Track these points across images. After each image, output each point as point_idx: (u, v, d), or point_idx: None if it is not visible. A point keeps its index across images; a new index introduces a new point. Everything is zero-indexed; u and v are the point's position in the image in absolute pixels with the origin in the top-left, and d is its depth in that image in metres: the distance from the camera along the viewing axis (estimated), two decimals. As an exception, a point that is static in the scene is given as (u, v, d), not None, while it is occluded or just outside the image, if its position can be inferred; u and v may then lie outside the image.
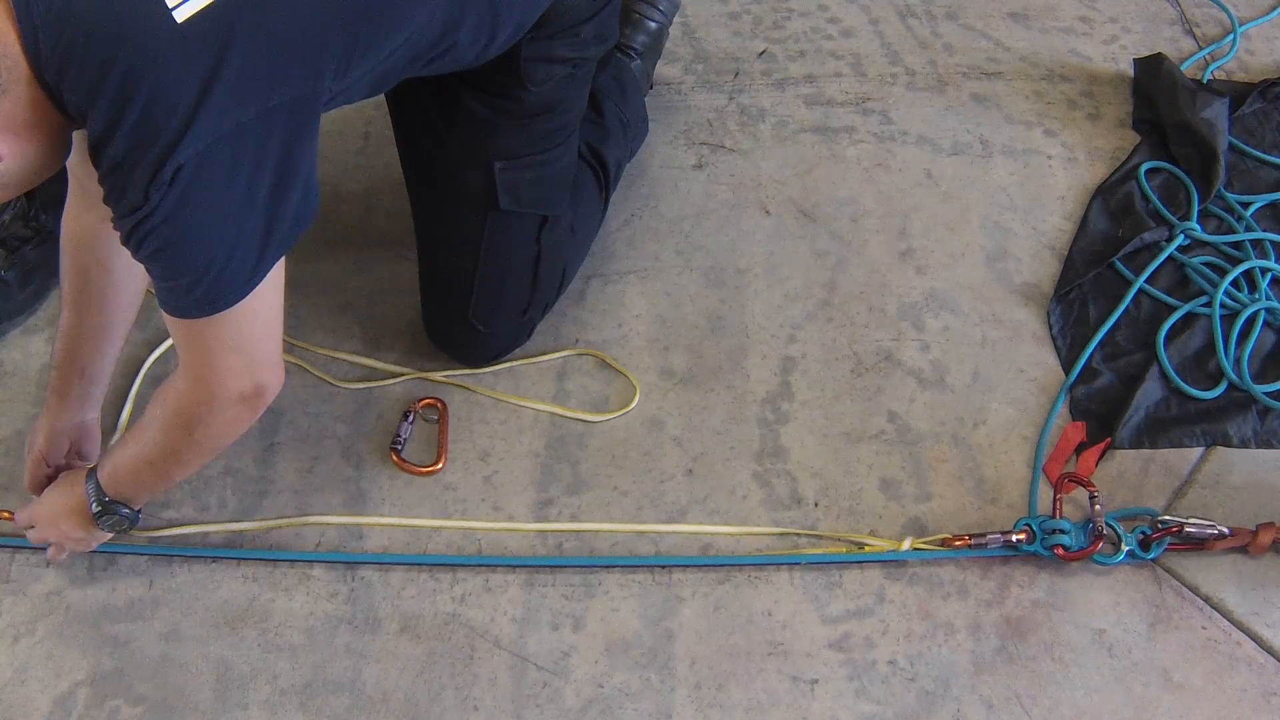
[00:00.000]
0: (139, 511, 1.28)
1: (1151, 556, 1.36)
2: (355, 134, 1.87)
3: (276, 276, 1.11)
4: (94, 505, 1.24)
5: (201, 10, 0.97)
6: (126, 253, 1.07)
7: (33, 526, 1.31)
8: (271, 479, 1.46)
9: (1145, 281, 1.65)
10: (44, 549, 1.35)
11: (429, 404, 1.52)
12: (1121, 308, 1.62)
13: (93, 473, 1.25)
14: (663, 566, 1.37)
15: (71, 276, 1.30)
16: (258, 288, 1.08)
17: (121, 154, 0.97)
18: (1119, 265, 1.67)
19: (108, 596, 1.35)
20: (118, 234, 1.05)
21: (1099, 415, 1.52)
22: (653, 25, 1.81)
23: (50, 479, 1.34)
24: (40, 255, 1.62)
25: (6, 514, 1.37)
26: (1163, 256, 1.67)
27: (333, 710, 1.27)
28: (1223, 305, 1.60)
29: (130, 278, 1.30)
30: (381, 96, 1.30)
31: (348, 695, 1.28)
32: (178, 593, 1.36)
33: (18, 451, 1.46)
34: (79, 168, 1.21)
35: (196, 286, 1.05)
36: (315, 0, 1.05)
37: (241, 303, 1.07)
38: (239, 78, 0.98)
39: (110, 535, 1.31)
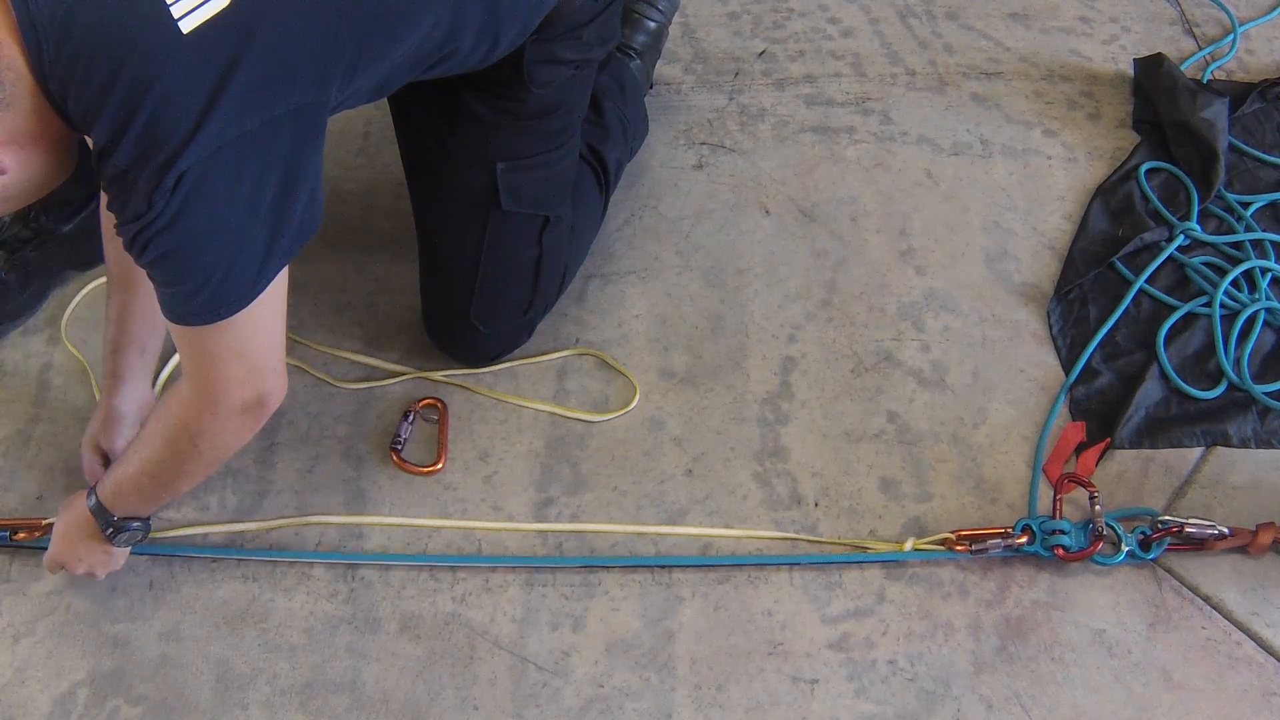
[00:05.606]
0: (149, 519, 1.28)
1: (1151, 557, 1.36)
2: (355, 134, 1.87)
3: (280, 285, 1.11)
4: (106, 530, 1.25)
5: (209, 20, 0.96)
6: None
7: (62, 567, 1.31)
8: (271, 479, 1.46)
9: (1145, 281, 1.65)
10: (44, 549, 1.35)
11: (429, 404, 1.52)
12: (1121, 308, 1.62)
13: (92, 493, 1.25)
14: (663, 566, 1.37)
15: (116, 260, 1.32)
16: (261, 296, 1.08)
17: (126, 162, 0.97)
18: (1119, 265, 1.67)
19: (108, 596, 1.35)
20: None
21: (1099, 415, 1.52)
22: (652, 25, 1.81)
23: (107, 464, 1.35)
24: (41, 257, 1.62)
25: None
26: (1163, 256, 1.67)
27: (333, 710, 1.27)
28: (1223, 305, 1.60)
29: None
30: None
31: (348, 695, 1.28)
32: (178, 593, 1.36)
33: (18, 451, 1.47)
34: None
35: (199, 293, 1.05)
36: (325, 10, 1.05)
37: (244, 310, 1.07)
38: (247, 88, 0.98)
39: (130, 547, 1.32)
